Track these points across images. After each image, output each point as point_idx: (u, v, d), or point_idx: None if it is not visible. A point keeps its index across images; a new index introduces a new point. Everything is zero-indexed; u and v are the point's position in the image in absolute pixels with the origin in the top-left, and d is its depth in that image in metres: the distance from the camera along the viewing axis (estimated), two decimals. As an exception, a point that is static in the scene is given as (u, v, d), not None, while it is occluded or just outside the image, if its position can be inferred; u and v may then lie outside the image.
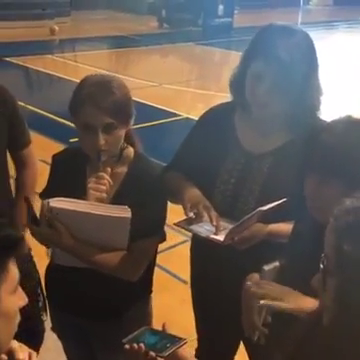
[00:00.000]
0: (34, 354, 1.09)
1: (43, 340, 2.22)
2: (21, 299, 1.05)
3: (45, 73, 8.63)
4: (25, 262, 2.02)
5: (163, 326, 1.19)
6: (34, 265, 2.13)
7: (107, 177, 1.49)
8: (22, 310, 1.07)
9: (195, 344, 1.97)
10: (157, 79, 8.48)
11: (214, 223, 1.52)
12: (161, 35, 12.98)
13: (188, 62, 10.74)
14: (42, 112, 6.59)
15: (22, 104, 6.41)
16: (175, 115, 6.30)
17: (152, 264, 1.70)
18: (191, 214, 1.56)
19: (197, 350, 1.98)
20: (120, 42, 12.16)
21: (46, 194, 1.60)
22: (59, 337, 1.86)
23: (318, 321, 0.96)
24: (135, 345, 1.10)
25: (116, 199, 1.56)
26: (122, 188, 1.59)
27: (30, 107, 6.85)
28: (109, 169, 1.51)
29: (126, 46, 11.85)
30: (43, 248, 1.64)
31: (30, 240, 1.64)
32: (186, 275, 2.02)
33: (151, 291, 1.78)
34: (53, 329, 1.86)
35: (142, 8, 15.04)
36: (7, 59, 9.82)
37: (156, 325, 1.18)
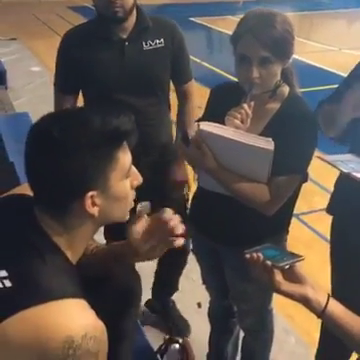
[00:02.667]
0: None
1: None
2: (135, 179, 1.15)
3: (226, 34, 8.78)
4: None
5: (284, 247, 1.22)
6: None
7: (247, 109, 1.51)
8: None
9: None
10: (338, 44, 8.05)
11: None
12: (351, -2, 12.19)
13: (377, 28, 9.95)
14: (218, 70, 6.79)
15: (198, 61, 6.69)
16: (350, 81, 5.94)
17: (292, 202, 1.70)
18: None
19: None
20: (306, 5, 11.74)
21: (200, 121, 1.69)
22: (197, 260, 2.00)
23: None
24: (254, 254, 1.16)
25: (264, 133, 1.58)
26: (271, 123, 1.61)
27: (206, 64, 7.11)
28: (252, 103, 1.53)
29: (312, 9, 11.43)
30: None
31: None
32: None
33: (288, 230, 1.79)
34: (193, 251, 2.01)
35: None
36: (192, 19, 10.25)
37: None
